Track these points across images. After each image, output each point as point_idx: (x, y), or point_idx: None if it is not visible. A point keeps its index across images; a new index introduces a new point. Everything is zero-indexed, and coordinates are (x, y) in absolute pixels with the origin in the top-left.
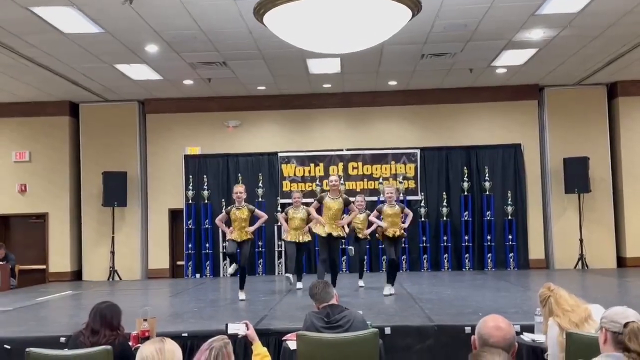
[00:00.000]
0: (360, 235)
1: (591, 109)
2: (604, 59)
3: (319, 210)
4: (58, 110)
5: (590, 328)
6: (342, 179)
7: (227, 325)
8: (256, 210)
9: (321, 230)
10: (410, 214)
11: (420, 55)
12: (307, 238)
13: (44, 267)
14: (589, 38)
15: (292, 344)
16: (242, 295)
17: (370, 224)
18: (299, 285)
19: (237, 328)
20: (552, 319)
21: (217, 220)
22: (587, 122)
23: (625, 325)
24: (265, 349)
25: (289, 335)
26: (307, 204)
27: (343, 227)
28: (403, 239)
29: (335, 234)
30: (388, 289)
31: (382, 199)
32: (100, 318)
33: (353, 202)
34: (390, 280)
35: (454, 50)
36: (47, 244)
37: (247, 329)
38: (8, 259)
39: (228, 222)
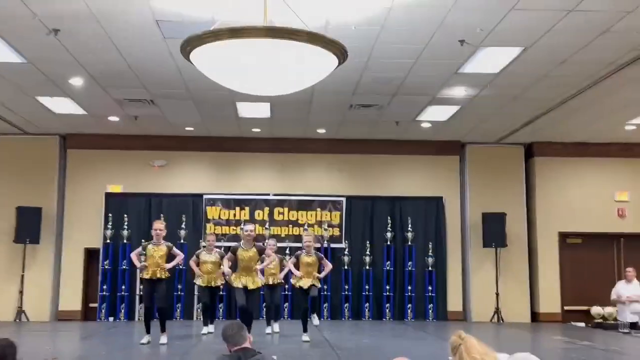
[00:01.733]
0: (272, 282)
1: (509, 167)
2: (522, 120)
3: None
4: None
5: None
6: (267, 224)
7: None
8: (174, 248)
9: (237, 282)
10: (329, 266)
11: (349, 106)
12: (219, 282)
13: None
14: (508, 98)
15: None
16: (163, 339)
17: (282, 268)
18: (208, 329)
19: None
20: None
21: (133, 254)
22: (505, 180)
23: None
24: None
25: None
26: (228, 248)
27: (257, 274)
28: (318, 288)
29: (251, 286)
30: (306, 336)
31: None
32: None
33: (265, 247)
34: (305, 328)
35: (381, 103)
36: None
37: None
38: None
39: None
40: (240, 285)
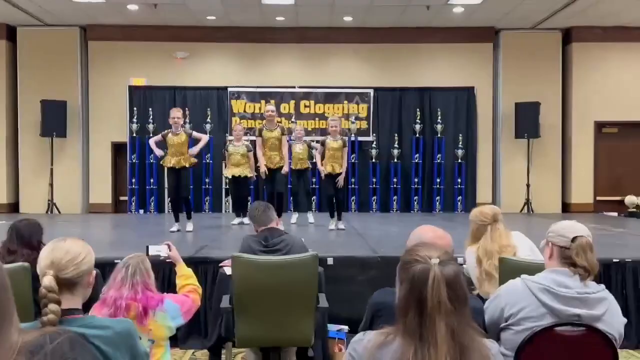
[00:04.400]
0: (300, 167)
1: (545, 54)
2: (560, 1)
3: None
4: None
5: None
6: (293, 117)
7: (147, 247)
8: (194, 132)
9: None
10: (345, 157)
11: None
12: (248, 173)
13: None
14: None
15: (227, 270)
16: (189, 227)
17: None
18: (240, 219)
19: (159, 250)
20: (471, 249)
21: (151, 141)
22: (540, 68)
23: (574, 239)
24: (190, 269)
25: (225, 261)
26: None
27: (282, 158)
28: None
29: (274, 167)
30: (334, 223)
31: None
32: (17, 237)
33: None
34: (333, 215)
35: None
36: None
37: (170, 250)
38: None
39: (163, 146)
40: (264, 167)
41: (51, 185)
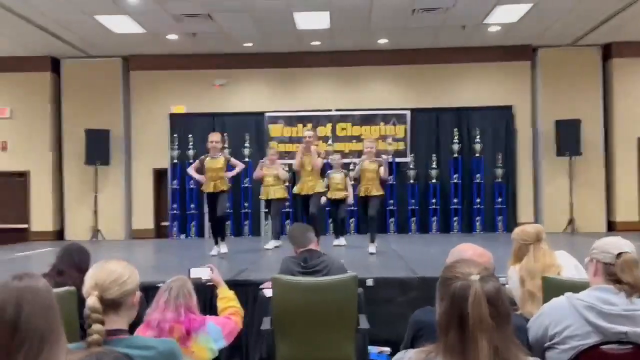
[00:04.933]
0: (337, 197)
1: (585, 70)
2: (600, 16)
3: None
4: (39, 66)
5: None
6: (330, 140)
7: (189, 270)
8: (232, 159)
9: (296, 189)
10: (385, 173)
11: (412, 11)
12: (281, 195)
13: (25, 226)
14: None
15: (268, 292)
16: (223, 249)
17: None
18: (273, 244)
19: (201, 272)
20: (513, 268)
21: (190, 169)
22: (580, 84)
23: (618, 255)
24: (231, 292)
25: (265, 283)
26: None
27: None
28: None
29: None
30: (372, 247)
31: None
32: (68, 259)
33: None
34: (372, 238)
35: (445, 5)
36: (28, 203)
37: (212, 273)
38: None
39: (201, 172)
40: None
41: (95, 212)
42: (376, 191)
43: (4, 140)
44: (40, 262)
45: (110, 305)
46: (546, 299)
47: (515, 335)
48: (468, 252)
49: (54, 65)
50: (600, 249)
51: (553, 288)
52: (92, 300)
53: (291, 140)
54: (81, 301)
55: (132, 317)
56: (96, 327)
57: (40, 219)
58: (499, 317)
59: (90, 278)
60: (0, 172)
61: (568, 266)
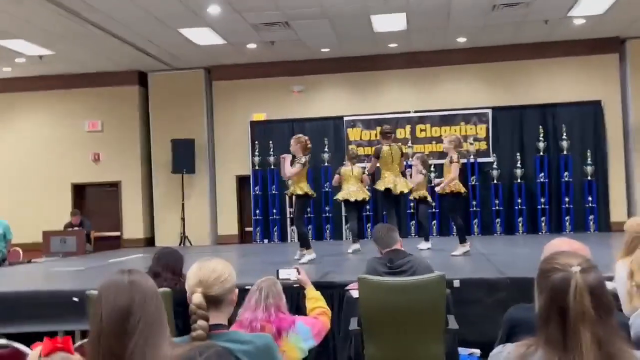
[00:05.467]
0: (417, 196)
1: None
2: None
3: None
4: (128, 80)
5: None
6: (409, 142)
7: (277, 271)
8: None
9: (380, 185)
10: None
11: (492, 7)
12: (363, 196)
13: (118, 234)
14: None
15: (355, 293)
16: (310, 255)
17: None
18: (354, 247)
19: (289, 273)
20: (622, 262)
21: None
22: None
23: None
24: (318, 292)
25: (351, 284)
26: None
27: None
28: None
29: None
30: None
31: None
32: (162, 262)
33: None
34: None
35: None
36: (120, 212)
37: (299, 274)
38: (84, 225)
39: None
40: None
41: (183, 219)
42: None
43: (96, 152)
44: (134, 267)
45: (213, 301)
46: None
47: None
48: (563, 247)
49: (142, 78)
50: None
51: None
52: (197, 297)
53: (370, 143)
54: (176, 302)
55: (230, 312)
56: (201, 322)
57: (132, 226)
58: (601, 309)
59: (194, 276)
60: (94, 183)
61: None
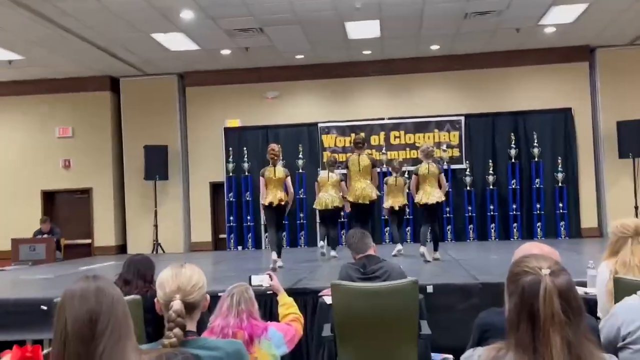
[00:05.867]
0: (398, 207)
1: None
2: None
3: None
4: (99, 86)
5: None
6: (383, 149)
7: (250, 277)
8: (289, 179)
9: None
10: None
11: (464, 15)
12: (338, 204)
13: (89, 241)
14: None
15: (328, 299)
16: (278, 262)
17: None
18: (332, 253)
19: (261, 280)
20: (607, 264)
21: (262, 186)
22: None
23: None
24: (291, 299)
25: (324, 290)
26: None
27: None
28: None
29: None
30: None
31: None
32: (133, 269)
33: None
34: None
35: (499, 7)
36: (91, 219)
37: (271, 280)
38: (53, 232)
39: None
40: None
41: (156, 226)
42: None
43: (67, 159)
44: (105, 275)
45: (189, 308)
46: (617, 300)
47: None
48: (534, 250)
49: (113, 84)
50: None
51: (624, 290)
52: (178, 305)
53: (344, 150)
54: (146, 309)
55: (198, 318)
56: (177, 331)
57: (104, 234)
58: (571, 312)
59: (172, 283)
60: (65, 189)
61: None
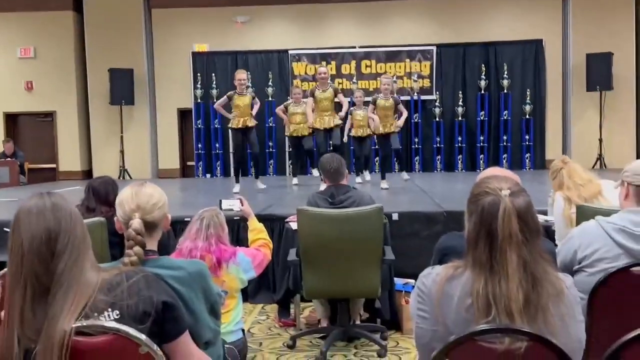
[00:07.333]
0: (361, 134)
1: (618, 2)
2: None
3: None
4: (62, 4)
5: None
6: (354, 78)
7: (220, 201)
8: (255, 97)
9: (317, 124)
10: (405, 113)
11: None
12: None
13: (54, 166)
14: None
15: (294, 225)
16: (260, 185)
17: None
18: (294, 180)
19: (232, 204)
20: (559, 193)
21: (217, 105)
22: (612, 17)
23: None
24: (261, 224)
25: (291, 216)
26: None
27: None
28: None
29: (332, 124)
30: (385, 183)
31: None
32: (94, 195)
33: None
34: (383, 174)
35: None
36: (56, 143)
37: (242, 205)
38: (17, 155)
39: (228, 108)
40: (321, 127)
41: (122, 152)
42: (391, 127)
43: (29, 80)
44: (70, 200)
45: (149, 227)
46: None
47: (544, 250)
48: (496, 173)
49: (77, 3)
50: (632, 172)
51: (585, 216)
52: (137, 223)
53: (314, 78)
54: (111, 232)
55: (159, 238)
56: (137, 249)
57: (69, 158)
58: (529, 232)
59: (130, 201)
60: (27, 112)
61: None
